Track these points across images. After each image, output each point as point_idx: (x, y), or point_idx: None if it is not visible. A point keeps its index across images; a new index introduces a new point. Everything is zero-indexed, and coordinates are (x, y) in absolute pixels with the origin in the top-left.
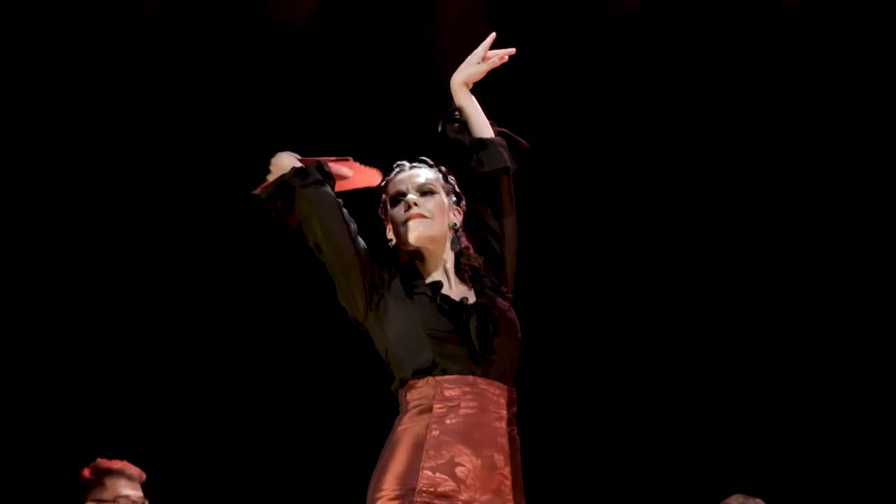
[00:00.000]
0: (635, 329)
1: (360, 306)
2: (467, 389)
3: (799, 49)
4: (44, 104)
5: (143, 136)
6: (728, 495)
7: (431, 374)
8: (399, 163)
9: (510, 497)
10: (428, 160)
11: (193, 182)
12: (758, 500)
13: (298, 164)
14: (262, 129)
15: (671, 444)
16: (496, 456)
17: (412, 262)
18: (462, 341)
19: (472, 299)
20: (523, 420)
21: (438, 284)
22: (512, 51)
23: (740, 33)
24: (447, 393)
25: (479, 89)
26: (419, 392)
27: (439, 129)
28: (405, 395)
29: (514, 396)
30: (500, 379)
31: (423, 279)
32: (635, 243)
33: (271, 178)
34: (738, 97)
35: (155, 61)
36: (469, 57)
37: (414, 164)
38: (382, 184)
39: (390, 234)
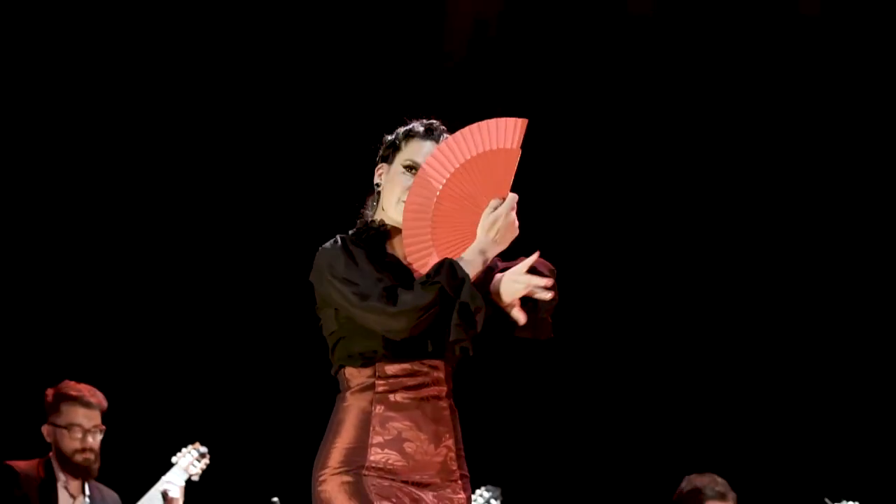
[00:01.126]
0: (599, 316)
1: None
2: (408, 367)
3: (815, 55)
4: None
5: (140, 125)
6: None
7: (373, 363)
8: (430, 122)
9: (455, 467)
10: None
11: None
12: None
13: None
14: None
15: (636, 426)
16: (440, 429)
17: (382, 233)
18: (416, 337)
19: None
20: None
21: (406, 272)
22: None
23: (756, 39)
24: (388, 370)
25: (487, 82)
26: (359, 371)
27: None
28: (345, 374)
29: (451, 371)
30: (442, 358)
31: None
32: (642, 240)
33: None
34: (750, 101)
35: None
36: (512, 271)
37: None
38: (400, 130)
39: (378, 180)
